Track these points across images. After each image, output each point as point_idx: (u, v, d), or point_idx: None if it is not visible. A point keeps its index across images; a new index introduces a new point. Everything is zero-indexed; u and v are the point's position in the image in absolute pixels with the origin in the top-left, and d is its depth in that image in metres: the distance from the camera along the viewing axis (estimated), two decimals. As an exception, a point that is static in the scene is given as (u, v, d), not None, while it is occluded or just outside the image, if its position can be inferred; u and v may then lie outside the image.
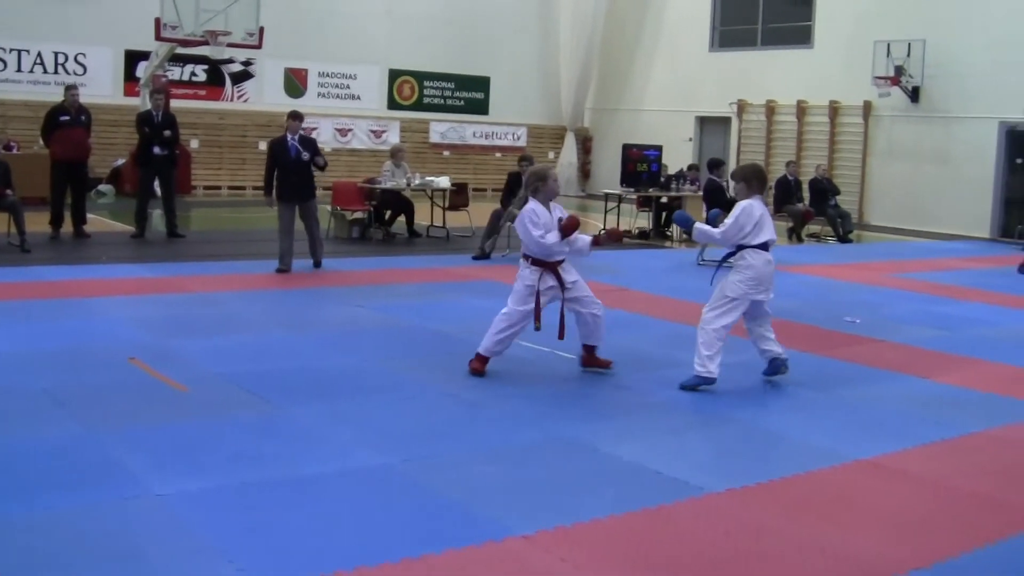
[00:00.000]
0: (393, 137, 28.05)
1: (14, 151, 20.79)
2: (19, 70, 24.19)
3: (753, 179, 8.41)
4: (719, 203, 15.88)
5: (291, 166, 13.69)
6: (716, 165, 16.71)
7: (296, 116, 14.09)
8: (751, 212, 8.24)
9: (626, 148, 19.96)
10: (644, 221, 20.28)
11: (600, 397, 7.98)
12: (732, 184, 9.04)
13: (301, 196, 13.84)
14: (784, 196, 20.54)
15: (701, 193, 17.91)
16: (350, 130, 27.79)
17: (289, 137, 13.79)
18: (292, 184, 13.73)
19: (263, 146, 26.15)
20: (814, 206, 20.73)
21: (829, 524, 5.47)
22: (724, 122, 28.25)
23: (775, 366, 8.51)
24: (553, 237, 8.30)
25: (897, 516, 5.67)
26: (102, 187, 23.20)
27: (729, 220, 8.29)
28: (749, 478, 6.09)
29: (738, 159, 27.10)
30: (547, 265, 8.38)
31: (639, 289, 13.07)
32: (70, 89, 16.54)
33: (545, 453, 6.50)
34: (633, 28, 30.44)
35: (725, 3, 28.69)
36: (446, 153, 29.53)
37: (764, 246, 8.27)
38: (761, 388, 8.41)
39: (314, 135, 19.16)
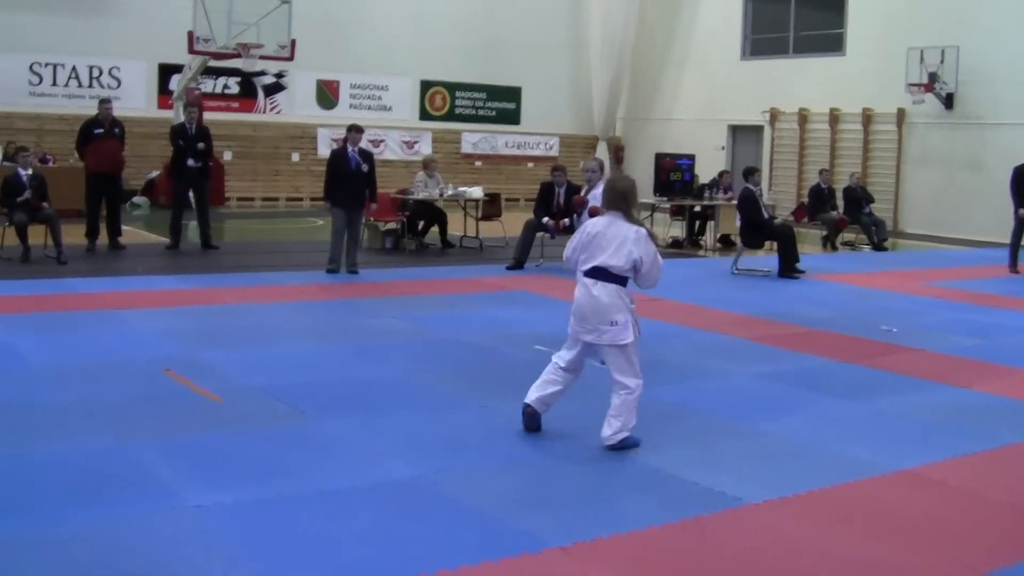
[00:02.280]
0: (425, 148, 28.10)
1: (50, 164, 20.92)
2: (54, 84, 24.37)
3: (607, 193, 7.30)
4: (753, 212, 15.86)
5: (349, 175, 14.51)
6: (750, 173, 16.63)
7: (357, 129, 15.02)
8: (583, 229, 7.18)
9: (659, 157, 19.92)
10: (677, 230, 20.21)
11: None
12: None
13: (355, 204, 14.60)
14: (818, 204, 20.43)
15: (735, 202, 17.82)
16: (382, 141, 27.84)
17: (350, 148, 14.70)
18: (348, 192, 14.53)
19: (296, 157, 26.33)
20: (848, 214, 20.61)
21: (868, 536, 5.41)
22: (756, 130, 28.15)
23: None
24: None
25: (937, 528, 5.61)
26: (136, 199, 23.32)
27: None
28: (786, 489, 6.04)
29: (771, 167, 27.03)
30: None
31: (672, 299, 13.00)
32: (104, 102, 16.65)
33: (580, 464, 6.47)
34: (664, 37, 30.38)
35: (756, 11, 28.61)
36: (478, 163, 29.55)
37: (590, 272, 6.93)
38: (794, 398, 8.34)
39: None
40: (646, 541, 5.25)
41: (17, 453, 6.32)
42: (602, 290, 6.79)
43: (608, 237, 6.82)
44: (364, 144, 15.27)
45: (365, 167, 14.69)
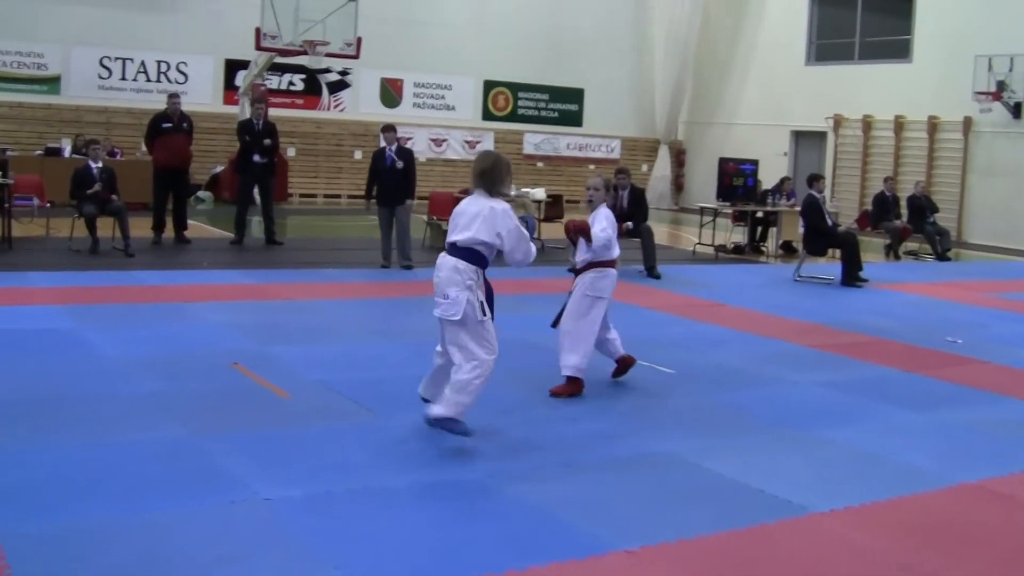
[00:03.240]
0: (487, 147, 28.17)
1: (118, 157, 21.20)
2: (123, 78, 24.70)
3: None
4: (817, 219, 15.78)
5: (386, 174, 14.93)
6: (815, 180, 16.53)
7: (389, 128, 15.48)
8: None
9: (722, 162, 19.85)
10: (739, 236, 20.14)
11: (696, 412, 7.91)
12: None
13: (394, 200, 14.94)
14: (881, 212, 20.29)
15: (798, 208, 17.74)
16: (445, 140, 27.97)
17: (387, 148, 14.92)
18: (386, 190, 15.00)
19: (359, 155, 26.50)
20: (912, 223, 20.43)
21: (933, 549, 5.39)
22: (819, 137, 27.98)
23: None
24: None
25: (1003, 542, 5.57)
26: (201, 193, 23.57)
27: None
28: (852, 499, 6.02)
29: (834, 174, 26.85)
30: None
31: (735, 305, 12.99)
32: (172, 97, 16.83)
33: (643, 468, 6.48)
34: (728, 41, 30.29)
35: (822, 17, 28.45)
36: (540, 164, 29.61)
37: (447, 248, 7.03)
38: (859, 407, 8.28)
39: (408, 144, 19.37)
40: (712, 547, 5.26)
41: (96, 443, 6.44)
42: (443, 264, 6.74)
43: (465, 214, 6.78)
44: (423, 144, 15.44)
45: (401, 164, 15.05)
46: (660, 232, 18.61)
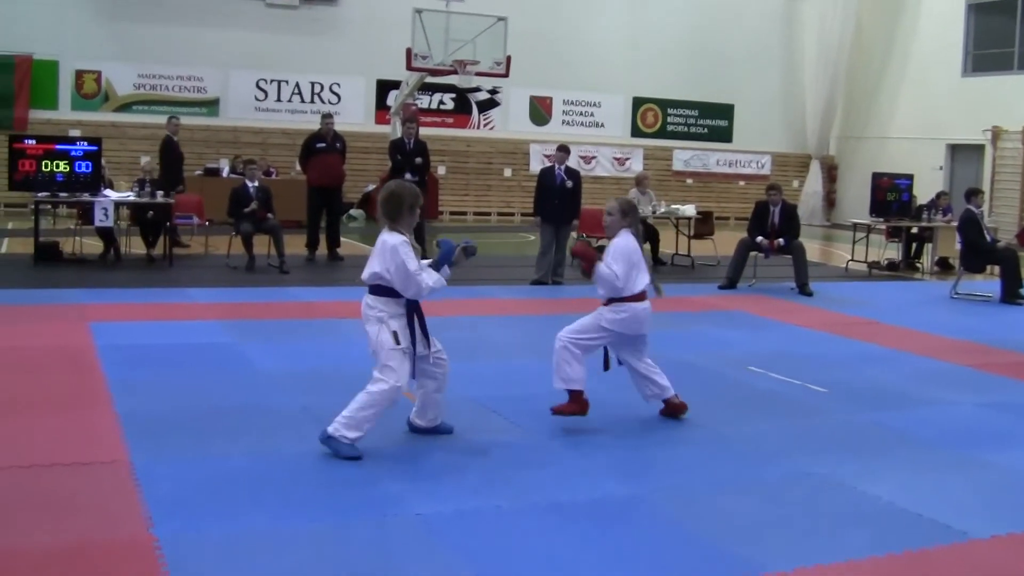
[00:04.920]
0: (636, 164, 28.13)
1: (273, 176, 21.69)
2: (278, 99, 25.32)
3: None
4: (975, 234, 15.37)
5: (555, 192, 15.27)
6: (973, 194, 16.10)
7: (562, 149, 16.07)
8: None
9: (876, 177, 19.47)
10: (893, 252, 19.73)
11: (851, 433, 7.72)
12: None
13: (560, 219, 15.26)
14: (1043, 228, 19.68)
15: (954, 224, 17.31)
16: (594, 157, 27.99)
17: (556, 166, 15.56)
18: (553, 208, 15.29)
19: (508, 172, 26.66)
20: (1076, 239, 19.76)
21: (1105, 576, 5.20)
22: (977, 150, 27.22)
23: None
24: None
25: None
26: (353, 211, 23.97)
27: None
28: (1015, 525, 5.82)
29: (992, 189, 26.12)
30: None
31: (889, 323, 12.71)
32: (326, 117, 17.18)
33: (797, 489, 6.37)
34: (881, 54, 29.69)
35: (979, 26, 27.73)
36: (689, 181, 29.42)
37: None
38: (1021, 430, 8.03)
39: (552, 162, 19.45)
40: (868, 571, 5.14)
41: (253, 455, 6.60)
42: (364, 299, 6.78)
43: (375, 250, 6.75)
44: (573, 162, 15.55)
45: (570, 184, 15.35)
46: (812, 249, 18.33)
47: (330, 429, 6.63)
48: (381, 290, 6.69)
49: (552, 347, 7.53)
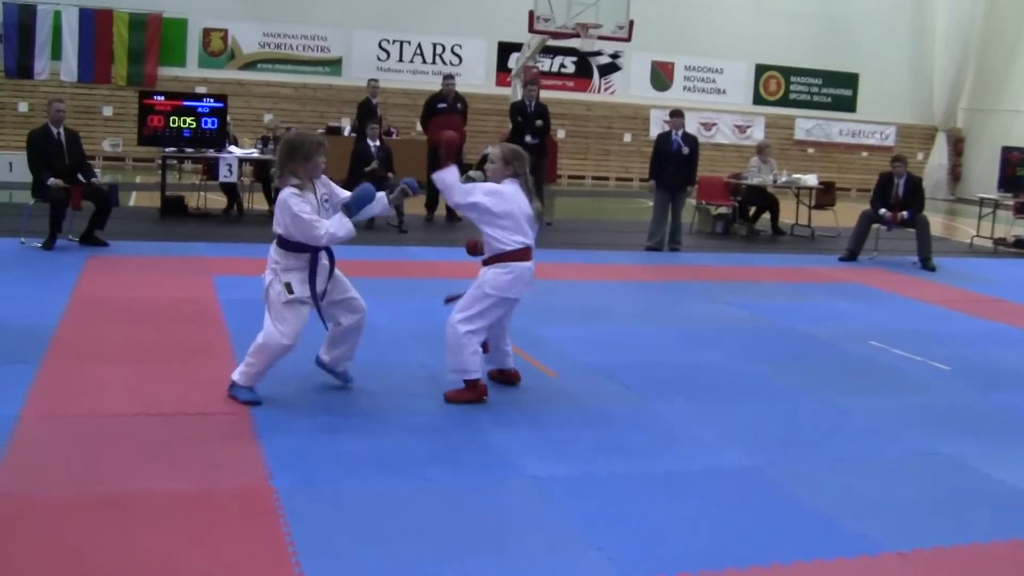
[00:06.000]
0: (757, 133, 27.77)
1: (394, 136, 21.82)
2: (400, 60, 25.45)
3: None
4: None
5: (671, 158, 15.06)
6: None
7: (676, 113, 15.70)
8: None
9: (1006, 151, 18.97)
10: (1021, 229, 19.23)
11: (975, 413, 7.54)
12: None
13: (676, 186, 15.08)
14: None
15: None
16: (714, 124, 27.70)
17: (673, 132, 15.36)
18: (669, 174, 15.10)
19: (628, 138, 26.51)
20: None
21: None
22: (1114, 125, 26.40)
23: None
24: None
25: None
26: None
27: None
28: None
29: None
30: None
31: (1015, 301, 12.40)
32: (447, 78, 17.25)
33: (917, 468, 6.25)
34: (1016, 23, 28.81)
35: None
36: (810, 150, 28.97)
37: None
38: None
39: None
40: (989, 555, 5.03)
41: (373, 408, 6.68)
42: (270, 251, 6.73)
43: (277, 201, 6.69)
44: (692, 128, 15.37)
45: (686, 150, 15.14)
46: (935, 223, 17.93)
47: (234, 375, 6.76)
48: (284, 242, 6.63)
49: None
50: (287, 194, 6.53)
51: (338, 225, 6.59)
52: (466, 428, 6.43)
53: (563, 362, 8.18)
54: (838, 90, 29.44)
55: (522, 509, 5.28)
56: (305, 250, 6.63)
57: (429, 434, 6.28)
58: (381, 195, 7.00)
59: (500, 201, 6.99)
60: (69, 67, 23.54)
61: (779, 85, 28.81)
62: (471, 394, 7.00)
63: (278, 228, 6.61)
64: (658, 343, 9.18)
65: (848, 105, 29.57)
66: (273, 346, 6.63)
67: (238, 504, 5.07)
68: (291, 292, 6.60)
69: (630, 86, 27.30)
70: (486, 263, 7.06)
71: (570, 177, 26.54)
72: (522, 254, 7.00)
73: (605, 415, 6.91)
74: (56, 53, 23.42)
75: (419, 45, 25.61)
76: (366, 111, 18.73)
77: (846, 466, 6.20)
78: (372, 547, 4.66)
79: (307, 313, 6.72)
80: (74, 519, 4.79)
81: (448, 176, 7.05)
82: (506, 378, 7.49)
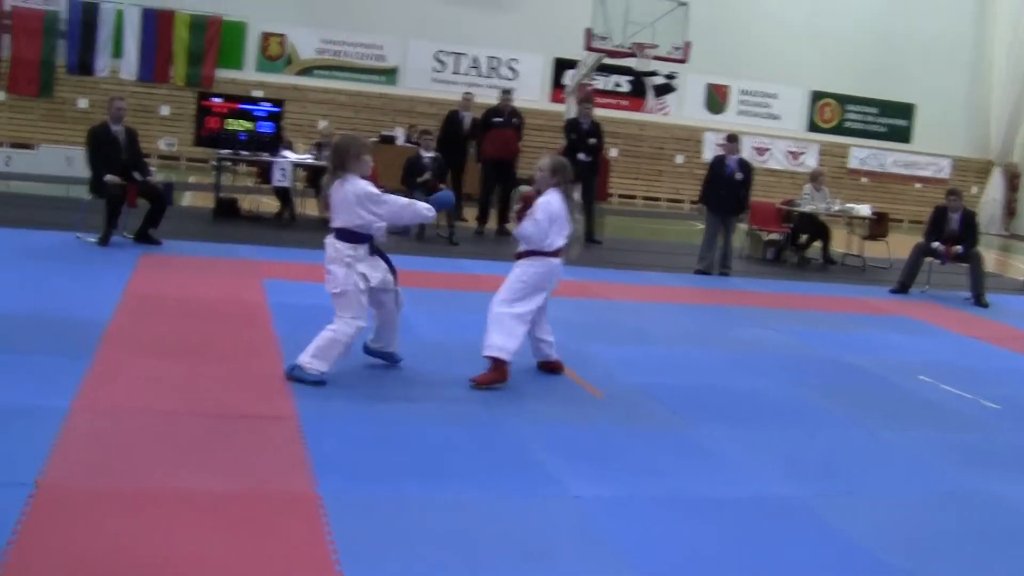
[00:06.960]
0: (810, 160, 27.67)
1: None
2: (456, 72, 25.54)
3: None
4: None
5: (724, 183, 15.03)
6: None
7: (732, 138, 15.73)
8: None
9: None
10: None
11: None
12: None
13: (727, 210, 15.01)
14: None
15: None
16: (767, 149, 27.62)
17: (728, 157, 15.11)
18: (721, 198, 15.07)
19: (680, 159, 26.47)
20: None
21: None
22: None
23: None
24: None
25: None
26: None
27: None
28: None
29: None
30: None
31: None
32: (505, 93, 17.28)
33: (963, 506, 6.18)
34: (1078, 61, 28.58)
35: None
36: (864, 180, 28.83)
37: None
38: None
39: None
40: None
41: (417, 418, 6.70)
42: (329, 245, 7.30)
43: (334, 200, 7.25)
44: (746, 153, 15.31)
45: (740, 176, 15.01)
46: (988, 258, 17.79)
47: (299, 362, 7.19)
48: (347, 235, 7.24)
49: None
50: (364, 185, 7.19)
51: (428, 208, 7.59)
52: (511, 444, 6.42)
53: (609, 382, 8.16)
54: (894, 120, 29.29)
55: (560, 528, 5.25)
56: (365, 241, 7.27)
57: (474, 448, 6.29)
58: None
59: (549, 217, 7.73)
60: (129, 66, 23.83)
61: (834, 113, 28.69)
62: (496, 375, 7.63)
63: (355, 220, 7.18)
64: (705, 366, 9.14)
65: (903, 135, 29.40)
66: (350, 332, 7.23)
67: (283, 507, 5.09)
68: (368, 282, 7.27)
69: (684, 108, 27.27)
70: (519, 256, 7.88)
71: (621, 196, 26.52)
72: (555, 253, 7.82)
73: (648, 437, 6.88)
74: (117, 51, 23.74)
75: (475, 58, 25.71)
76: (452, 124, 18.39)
77: (889, 500, 6.14)
78: (413, 557, 4.67)
79: (366, 298, 7.34)
80: (117, 512, 4.83)
81: (524, 230, 7.76)
82: (551, 368, 8.21)
